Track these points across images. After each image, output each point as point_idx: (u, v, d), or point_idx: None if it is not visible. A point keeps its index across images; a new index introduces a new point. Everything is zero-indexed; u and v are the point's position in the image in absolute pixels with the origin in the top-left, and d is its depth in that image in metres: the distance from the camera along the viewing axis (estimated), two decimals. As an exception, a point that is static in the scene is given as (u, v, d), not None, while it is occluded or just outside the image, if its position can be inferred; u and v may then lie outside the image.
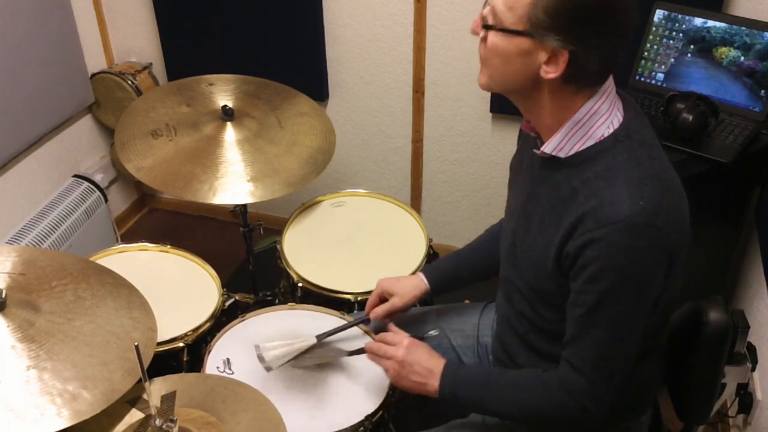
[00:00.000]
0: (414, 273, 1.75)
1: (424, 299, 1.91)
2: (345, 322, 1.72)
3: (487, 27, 1.20)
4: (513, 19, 1.15)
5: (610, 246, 1.16)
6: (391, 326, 1.53)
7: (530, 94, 1.23)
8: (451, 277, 1.69)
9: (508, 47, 1.18)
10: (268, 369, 1.56)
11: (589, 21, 1.12)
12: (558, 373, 1.32)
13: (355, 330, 1.71)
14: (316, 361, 1.62)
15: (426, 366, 1.41)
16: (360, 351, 1.55)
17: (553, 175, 1.28)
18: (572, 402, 1.29)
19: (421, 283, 1.66)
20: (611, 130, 1.22)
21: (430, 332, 1.53)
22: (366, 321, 1.71)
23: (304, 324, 1.73)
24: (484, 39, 1.22)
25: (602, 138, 1.22)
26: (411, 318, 1.76)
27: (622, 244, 1.16)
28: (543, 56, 1.16)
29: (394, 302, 1.64)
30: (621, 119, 1.23)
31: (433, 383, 1.40)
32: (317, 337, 1.64)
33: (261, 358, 1.55)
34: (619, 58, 1.19)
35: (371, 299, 1.69)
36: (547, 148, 1.25)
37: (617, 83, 1.26)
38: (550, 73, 1.17)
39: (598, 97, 1.22)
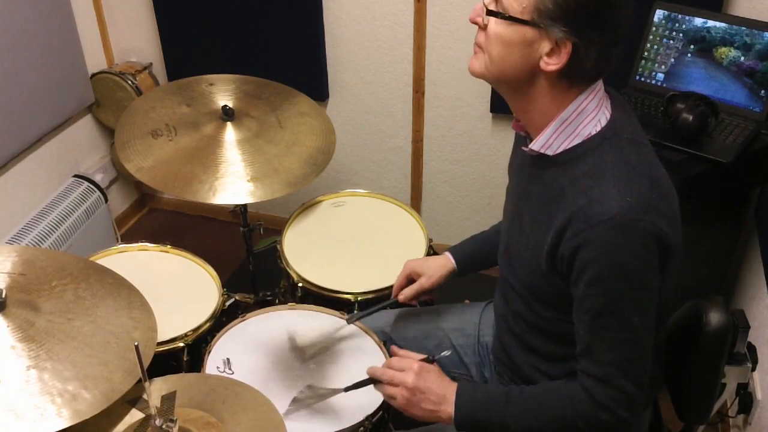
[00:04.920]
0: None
1: (424, 299, 1.92)
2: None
3: (491, 14, 1.19)
4: (519, 7, 1.15)
5: (604, 245, 1.16)
6: (397, 350, 1.48)
7: (524, 86, 1.23)
8: (478, 258, 1.69)
9: (512, 36, 1.18)
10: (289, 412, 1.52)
11: (595, 14, 1.13)
12: (581, 386, 1.28)
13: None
14: (314, 401, 1.52)
15: (438, 392, 1.35)
16: (361, 384, 1.44)
17: (543, 174, 1.28)
18: (606, 414, 1.25)
19: (449, 262, 1.67)
20: (598, 128, 1.23)
21: (443, 353, 1.45)
22: (395, 304, 1.71)
23: (304, 324, 1.74)
24: (484, 27, 1.22)
25: (589, 136, 1.23)
26: (412, 319, 1.76)
27: (615, 242, 1.15)
28: (546, 47, 1.16)
29: (422, 282, 1.65)
30: (608, 117, 1.24)
31: (447, 409, 1.34)
32: (347, 319, 1.68)
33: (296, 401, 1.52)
34: (614, 57, 1.19)
35: (399, 281, 1.70)
36: (535, 145, 1.25)
37: (617, 83, 1.26)
38: (551, 65, 1.17)
39: (586, 96, 1.22)
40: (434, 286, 1.66)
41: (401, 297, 1.68)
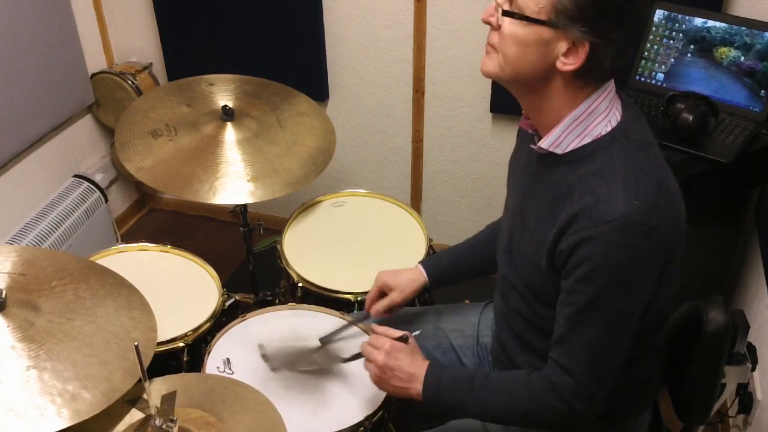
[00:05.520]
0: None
1: (424, 299, 1.92)
2: (345, 322, 1.73)
3: (506, 14, 1.17)
4: (536, 7, 1.14)
5: (606, 244, 1.16)
6: (375, 327, 1.49)
7: (538, 86, 1.22)
8: (451, 271, 1.69)
9: (528, 36, 1.16)
10: (275, 369, 1.57)
11: (613, 13, 1.12)
12: (546, 374, 1.30)
13: (355, 328, 1.71)
14: (313, 367, 1.59)
15: (408, 371, 1.38)
16: (356, 356, 1.51)
17: (550, 172, 1.28)
18: (561, 404, 1.27)
19: (420, 275, 1.67)
20: (609, 129, 1.22)
21: (415, 332, 1.47)
22: (367, 317, 1.71)
23: (304, 324, 1.74)
24: (497, 27, 1.20)
25: (600, 136, 1.22)
26: (409, 317, 1.76)
27: (617, 243, 1.15)
28: (563, 47, 1.15)
29: (394, 297, 1.65)
30: (619, 118, 1.23)
31: (417, 387, 1.38)
32: (320, 340, 1.65)
33: (266, 358, 1.57)
34: (628, 55, 1.18)
35: (371, 294, 1.70)
36: (545, 143, 1.25)
37: (618, 83, 1.26)
38: (568, 65, 1.16)
39: (598, 95, 1.21)
40: (406, 300, 1.66)
41: (373, 312, 1.68)
